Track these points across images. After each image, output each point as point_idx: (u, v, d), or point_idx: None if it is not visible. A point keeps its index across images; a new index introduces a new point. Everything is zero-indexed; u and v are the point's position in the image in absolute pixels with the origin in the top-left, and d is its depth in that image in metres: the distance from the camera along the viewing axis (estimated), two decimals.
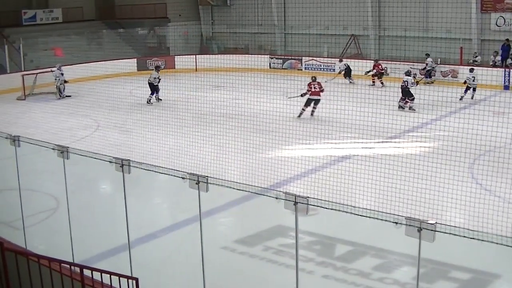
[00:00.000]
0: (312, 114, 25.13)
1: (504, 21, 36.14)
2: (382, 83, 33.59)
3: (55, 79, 32.67)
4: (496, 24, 36.38)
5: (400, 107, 25.90)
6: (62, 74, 32.88)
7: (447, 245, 8.90)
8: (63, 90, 32.60)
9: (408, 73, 27.74)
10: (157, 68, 31.49)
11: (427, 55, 35.04)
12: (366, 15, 39.47)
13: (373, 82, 33.93)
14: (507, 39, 34.93)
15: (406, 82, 26.66)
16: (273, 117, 21.23)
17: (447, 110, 23.85)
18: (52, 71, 33.12)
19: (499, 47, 34.99)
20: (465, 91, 28.68)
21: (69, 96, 32.60)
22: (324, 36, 41.08)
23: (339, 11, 34.41)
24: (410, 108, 25.87)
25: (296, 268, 8.54)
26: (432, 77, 34.32)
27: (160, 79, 30.08)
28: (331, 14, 35.09)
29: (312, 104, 25.21)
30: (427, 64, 34.39)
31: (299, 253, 8.65)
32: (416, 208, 12.59)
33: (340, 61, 36.63)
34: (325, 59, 39.93)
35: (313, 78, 25.92)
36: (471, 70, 29.30)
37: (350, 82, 34.27)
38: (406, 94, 26.36)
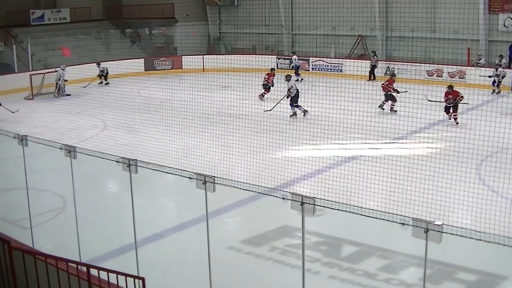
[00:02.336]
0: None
1: None
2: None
3: (59, 79, 32.84)
4: (504, 25, 36.29)
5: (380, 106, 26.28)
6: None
7: (453, 246, 8.88)
8: (64, 89, 32.76)
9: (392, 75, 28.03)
10: None
11: (373, 52, 37.22)
12: (373, 15, 39.44)
13: None
14: None
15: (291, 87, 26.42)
16: (280, 117, 21.25)
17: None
18: (56, 70, 33.32)
19: (507, 49, 34.93)
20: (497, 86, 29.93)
21: (69, 94, 32.72)
22: (331, 36, 41.07)
23: (346, 12, 34.42)
24: (391, 109, 26.05)
25: (302, 269, 8.54)
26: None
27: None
28: (338, 15, 35.08)
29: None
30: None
31: (305, 254, 8.65)
32: (423, 209, 12.57)
33: (293, 53, 37.92)
34: (332, 59, 39.91)
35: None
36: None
37: (297, 80, 34.09)
38: (389, 98, 26.38)
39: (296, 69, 37.23)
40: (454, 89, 24.31)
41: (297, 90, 25.12)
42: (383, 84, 27.03)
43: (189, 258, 12.53)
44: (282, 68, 40.82)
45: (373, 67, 36.87)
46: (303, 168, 17.11)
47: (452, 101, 22.55)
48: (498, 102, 28.02)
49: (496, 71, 31.52)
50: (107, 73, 35.95)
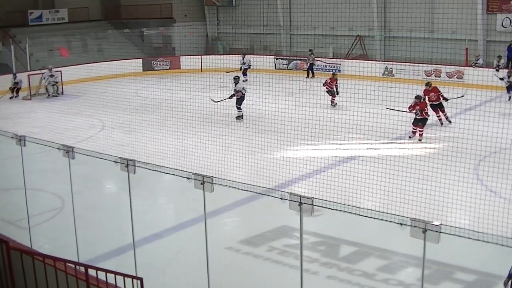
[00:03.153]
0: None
1: (510, 22, 36.07)
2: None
3: (44, 80, 32.79)
4: (502, 25, 36.32)
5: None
6: (52, 75, 33.17)
7: (452, 247, 8.89)
8: (56, 92, 32.78)
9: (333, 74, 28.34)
10: None
11: (310, 50, 37.53)
12: (371, 16, 39.44)
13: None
14: None
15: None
16: (278, 118, 21.23)
17: (452, 111, 23.82)
18: (42, 72, 33.27)
19: (505, 49, 34.95)
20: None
21: (57, 95, 32.75)
22: (329, 36, 41.07)
23: (345, 12, 34.38)
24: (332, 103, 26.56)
25: (300, 269, 8.55)
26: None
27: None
28: (336, 15, 35.07)
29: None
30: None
31: (303, 254, 8.65)
32: (421, 209, 12.57)
33: (243, 56, 37.02)
34: (331, 59, 39.91)
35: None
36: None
37: (245, 80, 33.75)
38: (330, 94, 26.86)
39: (245, 70, 36.49)
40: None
41: (243, 93, 25.14)
42: (325, 81, 27.70)
43: (187, 258, 12.54)
44: (280, 69, 40.88)
45: (310, 65, 37.66)
46: (301, 168, 17.11)
47: (419, 113, 21.77)
48: (496, 102, 28.01)
49: (497, 72, 31.57)
50: (19, 88, 33.87)
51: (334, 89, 27.12)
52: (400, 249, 12.26)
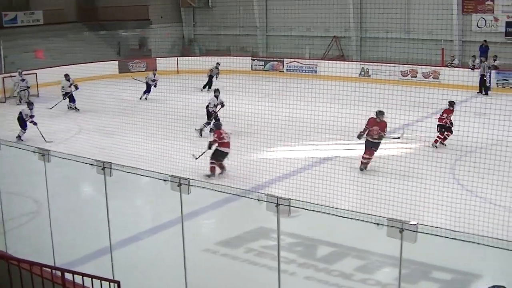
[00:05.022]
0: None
1: (485, 23, 36.43)
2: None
3: (14, 85, 32.40)
4: (477, 26, 36.65)
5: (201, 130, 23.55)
6: (23, 80, 32.28)
7: (429, 246, 8.91)
8: (26, 97, 31.38)
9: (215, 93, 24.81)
10: (154, 70, 32.76)
11: (217, 64, 35.55)
12: (347, 16, 39.52)
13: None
14: (485, 40, 35.28)
15: (209, 103, 24.22)
16: (255, 119, 21.21)
17: (428, 111, 23.92)
18: (12, 76, 32.91)
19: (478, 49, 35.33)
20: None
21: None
22: (305, 37, 41.09)
23: (321, 13, 34.45)
24: (200, 130, 23.43)
25: (278, 270, 8.54)
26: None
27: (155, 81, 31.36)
28: (312, 16, 35.19)
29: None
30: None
31: (281, 255, 8.66)
32: (398, 209, 12.64)
33: (154, 73, 33.12)
34: (307, 60, 40.00)
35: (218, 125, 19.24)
36: None
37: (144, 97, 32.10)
38: (208, 116, 24.02)
39: (148, 87, 32.28)
40: (383, 119, 19.00)
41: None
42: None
43: (164, 260, 12.49)
44: (257, 70, 40.90)
45: (211, 77, 34.70)
46: (278, 170, 17.12)
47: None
48: (472, 102, 28.19)
49: (473, 71, 31.96)
50: None
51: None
52: (378, 249, 12.28)
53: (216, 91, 24.54)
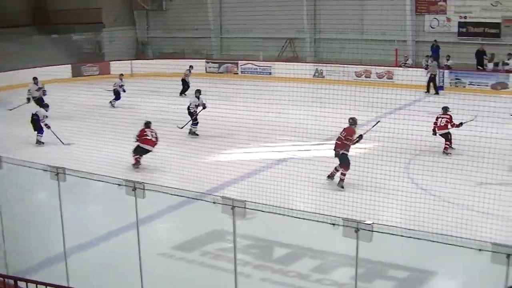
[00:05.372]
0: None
1: (438, 23, 36.94)
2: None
3: None
4: (430, 26, 37.17)
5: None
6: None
7: (384, 245, 8.96)
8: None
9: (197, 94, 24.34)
10: (121, 76, 31.53)
11: (191, 66, 34.90)
12: (301, 18, 39.68)
13: None
14: (435, 40, 35.75)
15: (190, 104, 23.89)
16: (209, 122, 21.18)
17: (382, 111, 24.08)
18: None
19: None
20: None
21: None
22: (260, 39, 41.07)
23: (275, 15, 34.55)
24: (193, 133, 23.29)
25: (234, 272, 8.51)
26: None
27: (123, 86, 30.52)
28: (267, 18, 35.24)
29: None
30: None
31: (237, 257, 8.63)
32: (354, 209, 12.69)
33: (121, 78, 31.77)
34: (261, 62, 40.04)
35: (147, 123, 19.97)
36: None
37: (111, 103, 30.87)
38: (191, 117, 23.63)
39: (117, 93, 31.02)
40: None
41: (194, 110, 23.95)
42: None
43: (120, 266, 12.35)
44: (211, 72, 40.82)
45: (184, 81, 33.74)
46: (233, 172, 17.09)
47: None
48: (425, 102, 28.50)
49: (427, 72, 32.41)
50: None
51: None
52: (334, 249, 12.31)
53: (197, 91, 24.42)
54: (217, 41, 44.74)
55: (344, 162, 16.80)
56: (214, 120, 20.82)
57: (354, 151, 17.92)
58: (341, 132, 17.20)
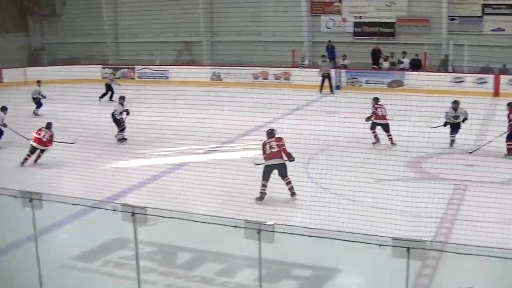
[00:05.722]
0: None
1: (334, 23, 37.72)
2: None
3: None
4: (326, 27, 37.94)
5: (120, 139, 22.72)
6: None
7: (287, 244, 9.05)
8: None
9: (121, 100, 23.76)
10: (38, 83, 30.18)
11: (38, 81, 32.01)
12: (198, 21, 39.64)
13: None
14: (329, 41, 36.50)
15: (115, 111, 23.06)
16: (107, 129, 20.89)
17: (279, 112, 24.33)
18: None
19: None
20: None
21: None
22: (156, 43, 40.83)
23: (171, 18, 34.40)
24: (120, 139, 22.62)
25: (137, 280, 8.41)
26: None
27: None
28: (163, 21, 35.07)
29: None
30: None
31: (140, 264, 8.53)
32: (256, 210, 12.75)
33: (39, 85, 30.51)
34: (158, 67, 39.78)
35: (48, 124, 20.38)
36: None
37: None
38: (117, 124, 22.88)
39: (38, 101, 29.46)
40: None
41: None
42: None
43: (20, 280, 12.00)
44: (107, 78, 40.21)
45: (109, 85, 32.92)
46: (133, 178, 16.90)
47: None
48: (322, 101, 28.95)
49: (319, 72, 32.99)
50: None
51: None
52: (237, 251, 12.29)
53: (121, 98, 23.75)
54: (112, 46, 44.15)
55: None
56: (111, 127, 20.58)
57: (254, 152, 18.03)
58: (272, 142, 16.05)
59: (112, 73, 33.75)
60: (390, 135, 20.45)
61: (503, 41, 31.04)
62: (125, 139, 22.44)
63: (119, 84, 32.53)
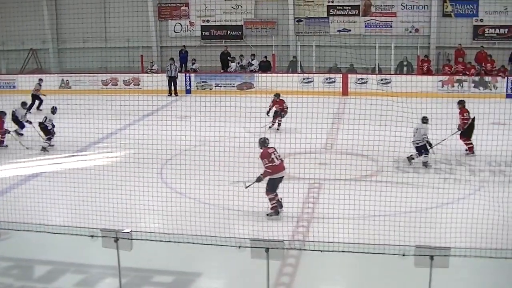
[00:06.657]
0: None
1: (182, 27, 37.87)
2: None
3: None
4: (174, 31, 38.06)
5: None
6: None
7: (148, 252, 9.04)
8: None
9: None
10: None
11: (41, 79, 32.46)
12: (43, 28, 38.64)
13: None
14: (184, 46, 36.68)
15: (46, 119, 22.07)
16: None
17: (131, 118, 24.17)
18: None
19: (178, 53, 36.55)
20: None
21: None
22: (1, 52, 39.52)
23: (15, 25, 33.35)
24: (44, 148, 21.58)
25: None
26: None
27: None
28: (6, 29, 34.02)
29: None
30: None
31: None
32: (112, 219, 12.61)
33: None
34: (3, 76, 38.47)
35: None
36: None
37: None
38: (45, 133, 22.03)
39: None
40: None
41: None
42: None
43: None
44: None
45: (36, 96, 31.33)
46: None
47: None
48: (173, 106, 28.96)
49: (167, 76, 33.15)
50: None
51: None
52: (96, 261, 12.14)
53: (54, 108, 22.50)
54: None
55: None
56: None
57: (106, 160, 17.82)
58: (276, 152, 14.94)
59: (38, 83, 31.65)
60: None
61: (349, 41, 32.11)
62: (52, 145, 21.71)
63: None
